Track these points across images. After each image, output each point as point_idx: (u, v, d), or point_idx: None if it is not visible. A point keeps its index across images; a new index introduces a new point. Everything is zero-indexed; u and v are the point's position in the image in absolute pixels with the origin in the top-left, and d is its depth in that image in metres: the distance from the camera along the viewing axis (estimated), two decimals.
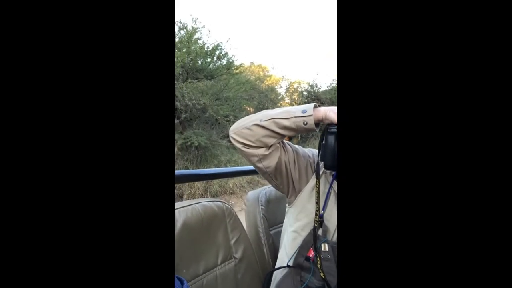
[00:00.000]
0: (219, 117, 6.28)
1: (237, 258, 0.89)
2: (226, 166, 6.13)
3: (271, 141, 0.76)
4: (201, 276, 0.77)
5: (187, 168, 5.34)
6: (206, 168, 5.69)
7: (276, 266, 0.87)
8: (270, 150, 0.77)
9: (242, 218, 1.01)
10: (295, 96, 11.10)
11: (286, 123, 0.74)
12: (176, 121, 4.26)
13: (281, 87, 11.85)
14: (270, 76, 12.10)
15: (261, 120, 0.75)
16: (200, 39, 7.03)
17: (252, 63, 12.23)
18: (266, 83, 10.89)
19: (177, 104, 5.64)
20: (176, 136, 5.39)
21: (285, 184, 0.83)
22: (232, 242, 0.89)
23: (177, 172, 0.94)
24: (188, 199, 4.33)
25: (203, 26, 7.50)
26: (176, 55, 6.70)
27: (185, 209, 0.81)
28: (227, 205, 0.92)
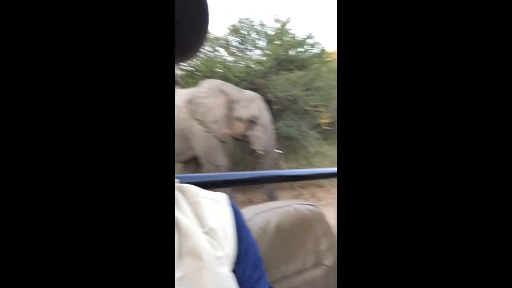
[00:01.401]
0: (309, 108, 6.19)
1: (328, 266, 0.88)
2: (314, 157, 6.04)
3: None
4: (290, 278, 0.80)
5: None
6: (295, 159, 5.74)
7: None
8: None
9: (331, 212, 0.97)
10: None
11: None
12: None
13: None
14: None
15: None
16: (291, 29, 6.99)
17: None
18: None
19: (269, 96, 5.83)
20: None
21: None
22: (322, 248, 0.88)
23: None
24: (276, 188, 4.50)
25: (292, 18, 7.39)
26: (270, 48, 6.88)
27: (278, 211, 0.84)
28: (319, 209, 0.91)
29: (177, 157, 3.92)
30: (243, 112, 4.20)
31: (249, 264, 0.45)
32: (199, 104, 4.05)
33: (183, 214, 0.41)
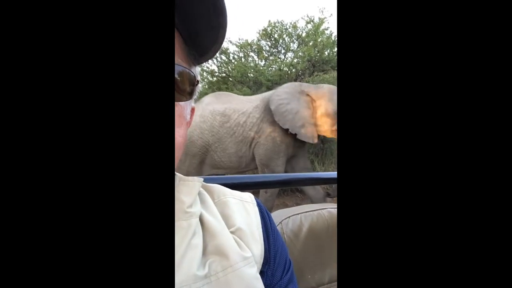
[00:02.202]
0: None
1: None
2: None
3: None
4: (327, 285, 0.74)
5: (312, 162, 5.36)
6: (330, 163, 5.55)
7: None
8: None
9: None
10: None
11: None
12: None
13: None
14: None
15: None
16: (327, 29, 6.83)
17: None
18: None
19: None
20: None
21: None
22: None
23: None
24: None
25: (331, 15, 7.24)
26: (302, 50, 6.80)
27: (311, 214, 0.79)
28: None
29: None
30: (329, 106, 3.90)
31: (279, 267, 0.43)
32: (285, 112, 3.82)
33: (209, 213, 0.41)
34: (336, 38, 6.52)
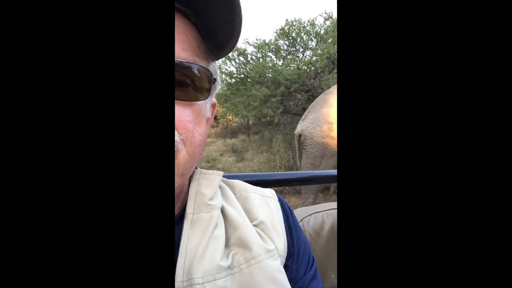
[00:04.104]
0: None
1: None
2: None
3: None
4: None
5: None
6: None
7: None
8: None
9: None
10: None
11: None
12: None
13: None
14: None
15: None
16: None
17: None
18: None
19: None
20: None
21: None
22: None
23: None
24: None
25: None
26: (321, 47, 6.70)
27: (333, 212, 0.77)
28: None
29: None
30: None
31: (302, 263, 0.43)
32: None
33: (231, 206, 0.41)
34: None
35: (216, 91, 0.42)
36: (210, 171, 0.43)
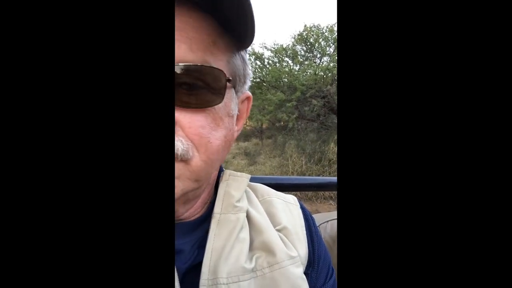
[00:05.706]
0: None
1: None
2: None
3: None
4: None
5: None
6: None
7: None
8: None
9: None
10: None
11: None
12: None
13: None
14: None
15: None
16: None
17: None
18: None
19: None
20: None
21: None
22: None
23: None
24: None
25: None
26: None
27: None
28: None
29: None
30: None
31: (322, 272, 0.42)
32: None
33: (255, 210, 0.41)
34: None
35: (247, 84, 0.40)
36: (239, 173, 0.42)
